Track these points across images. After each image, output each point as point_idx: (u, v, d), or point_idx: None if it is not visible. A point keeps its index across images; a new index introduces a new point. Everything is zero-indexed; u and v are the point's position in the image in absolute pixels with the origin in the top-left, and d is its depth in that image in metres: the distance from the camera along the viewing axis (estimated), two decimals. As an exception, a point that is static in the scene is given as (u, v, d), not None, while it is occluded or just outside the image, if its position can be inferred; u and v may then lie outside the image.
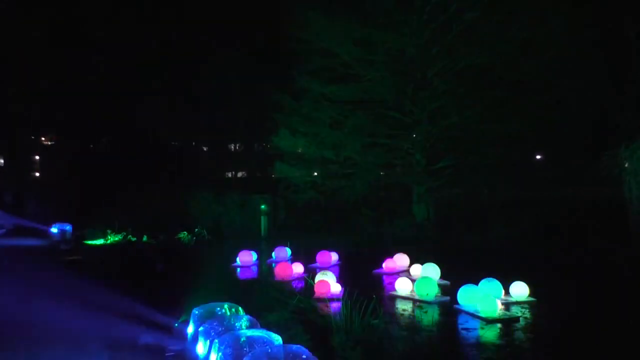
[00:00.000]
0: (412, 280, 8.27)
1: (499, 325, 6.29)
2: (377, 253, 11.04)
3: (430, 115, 16.32)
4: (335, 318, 5.82)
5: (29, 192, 24.04)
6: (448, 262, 9.49)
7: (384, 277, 9.76)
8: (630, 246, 11.49)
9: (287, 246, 11.95)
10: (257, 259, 11.45)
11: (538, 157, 20.90)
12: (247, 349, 4.18)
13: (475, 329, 6.18)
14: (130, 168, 25.41)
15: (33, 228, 16.32)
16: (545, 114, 14.84)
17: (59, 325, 6.06)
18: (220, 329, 4.88)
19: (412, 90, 16.05)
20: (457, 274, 8.55)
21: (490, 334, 5.97)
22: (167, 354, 5.28)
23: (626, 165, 12.58)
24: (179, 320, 6.19)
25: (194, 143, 36.11)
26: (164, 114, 28.49)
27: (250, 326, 5.00)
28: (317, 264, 10.70)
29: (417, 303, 7.48)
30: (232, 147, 36.37)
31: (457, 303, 7.13)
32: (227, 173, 35.24)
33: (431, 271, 8.88)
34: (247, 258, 11.17)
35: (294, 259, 11.31)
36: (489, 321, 6.39)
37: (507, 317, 6.55)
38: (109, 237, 15.17)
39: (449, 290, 8.05)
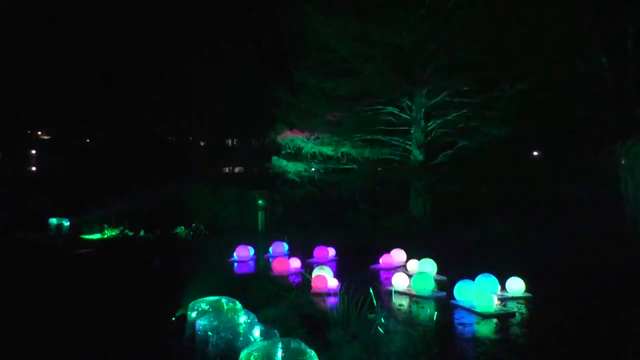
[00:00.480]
0: (409, 275, 8.30)
1: (495, 320, 6.33)
2: (374, 248, 11.05)
3: (428, 111, 16.33)
4: (332, 313, 5.84)
5: (25, 186, 23.95)
6: (445, 258, 9.51)
7: (381, 272, 9.79)
8: (626, 243, 11.53)
9: (284, 241, 11.96)
10: (255, 254, 11.46)
11: (535, 153, 20.95)
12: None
13: (471, 324, 6.21)
14: (127, 162, 25.34)
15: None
16: (542, 110, 14.85)
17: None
18: (217, 323, 4.89)
19: (410, 86, 16.05)
20: (453, 270, 8.58)
21: (486, 329, 6.00)
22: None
23: (622, 162, 12.62)
24: (176, 315, 6.20)
25: (191, 138, 36.06)
26: (161, 108, 28.43)
27: (248, 320, 5.01)
28: (315, 259, 10.72)
29: (414, 298, 7.50)
30: (230, 142, 36.34)
31: (453, 298, 7.16)
32: (224, 168, 35.21)
33: (428, 266, 8.90)
34: (244, 253, 11.18)
35: (291, 254, 11.33)
36: (485, 316, 6.42)
37: (503, 312, 6.58)
38: (106, 232, 15.15)
39: (446, 285, 8.08)
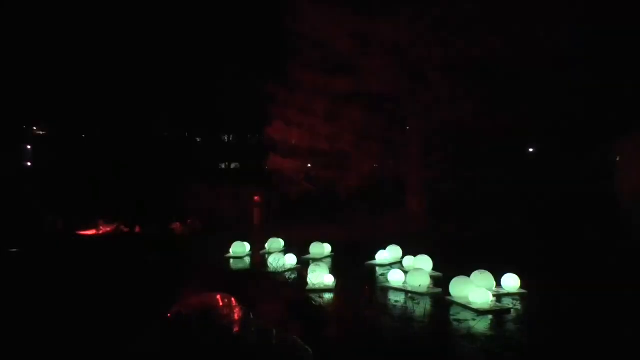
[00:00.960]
0: (405, 271, 8.31)
1: (490, 316, 6.34)
2: (370, 244, 11.06)
3: (425, 108, 16.32)
4: (328, 309, 5.84)
5: (20, 181, 23.82)
6: (440, 254, 9.54)
7: (377, 268, 9.80)
8: (620, 239, 11.59)
9: (280, 237, 11.95)
10: (250, 250, 11.45)
11: (530, 150, 21.02)
12: None
13: (466, 320, 6.22)
14: (123, 158, 25.25)
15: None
16: (538, 107, 14.88)
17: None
18: (212, 319, 4.87)
19: (407, 82, 16.03)
20: (449, 266, 8.60)
21: (481, 325, 6.02)
22: None
23: (617, 158, 12.68)
24: (171, 311, 6.17)
25: (187, 134, 35.94)
26: (157, 103, 28.33)
27: (243, 316, 4.99)
28: (310, 255, 10.71)
29: (410, 294, 7.52)
30: (226, 137, 36.25)
31: (449, 294, 7.17)
32: (220, 164, 35.13)
33: (424, 263, 8.92)
34: (240, 249, 11.16)
35: (287, 250, 11.32)
36: (481, 312, 6.44)
37: (498, 308, 6.60)
38: (101, 228, 15.10)
39: (441, 281, 8.10)
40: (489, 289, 7.15)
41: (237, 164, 35.05)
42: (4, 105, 26.88)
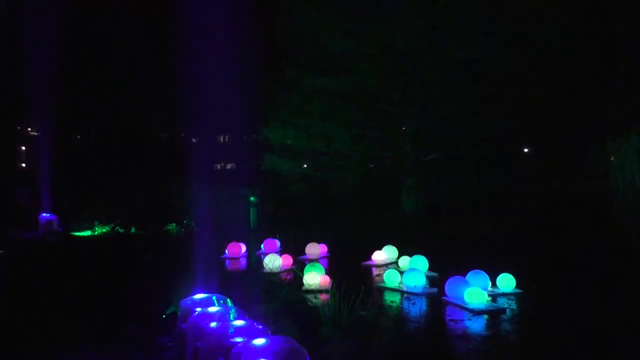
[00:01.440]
0: (401, 272, 8.32)
1: (485, 316, 6.36)
2: (365, 245, 11.08)
3: (420, 108, 16.35)
4: (323, 309, 5.84)
5: (14, 183, 23.69)
6: (436, 254, 9.56)
7: (373, 268, 9.81)
8: (615, 238, 11.64)
9: (276, 238, 11.94)
10: (246, 251, 11.44)
11: (526, 150, 21.08)
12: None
13: (462, 320, 6.24)
14: (118, 159, 25.17)
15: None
16: (533, 107, 14.94)
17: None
18: (208, 321, 4.86)
19: (402, 83, 16.05)
20: (445, 266, 8.62)
21: (477, 325, 6.03)
22: (155, 346, 5.27)
23: (612, 158, 12.74)
24: (167, 312, 6.17)
25: (182, 134, 35.84)
26: (152, 104, 28.23)
27: (239, 317, 4.99)
28: (306, 256, 10.72)
29: (405, 295, 7.53)
30: (222, 138, 36.20)
31: (444, 295, 7.19)
32: (216, 164, 35.07)
33: (419, 263, 8.94)
34: (236, 250, 11.15)
35: (284, 250, 11.31)
36: (476, 312, 6.45)
37: (493, 308, 6.62)
38: (97, 229, 15.05)
39: (437, 282, 8.11)
40: (485, 289, 7.18)
41: (233, 164, 35.01)
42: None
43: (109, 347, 5.31)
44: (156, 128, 33.12)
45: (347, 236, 14.14)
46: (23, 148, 32.79)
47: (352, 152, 16.79)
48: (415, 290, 7.59)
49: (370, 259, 10.25)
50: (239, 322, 4.49)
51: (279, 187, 17.66)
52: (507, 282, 7.56)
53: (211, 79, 28.53)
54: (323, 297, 7.26)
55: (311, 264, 8.49)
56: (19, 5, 25.31)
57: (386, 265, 9.81)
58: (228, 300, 5.60)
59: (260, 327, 4.41)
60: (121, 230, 14.95)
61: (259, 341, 3.91)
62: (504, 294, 7.40)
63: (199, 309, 5.07)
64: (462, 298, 6.83)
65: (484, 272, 7.52)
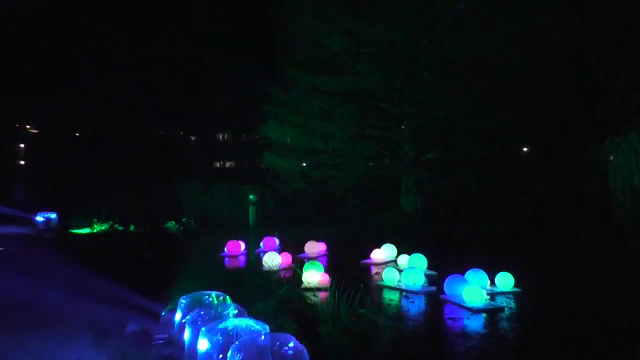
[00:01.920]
0: (400, 270, 8.33)
1: (484, 315, 6.37)
2: (364, 243, 11.09)
3: (419, 108, 16.36)
4: (322, 307, 5.84)
5: (13, 180, 23.68)
6: (435, 253, 9.57)
7: (372, 267, 9.82)
8: (613, 238, 11.66)
9: (275, 236, 11.94)
10: (246, 249, 11.44)
11: (525, 149, 21.09)
12: (235, 339, 4.18)
13: (460, 318, 6.25)
14: (117, 157, 25.15)
15: (18, 216, 16.08)
16: (532, 107, 14.94)
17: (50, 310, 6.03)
18: (207, 317, 4.87)
19: (401, 82, 16.06)
20: (443, 265, 8.63)
21: (475, 323, 6.04)
22: (154, 342, 5.28)
23: (611, 158, 12.73)
24: (166, 309, 6.18)
25: (182, 133, 35.86)
26: (151, 103, 28.22)
27: (238, 315, 5.00)
28: (305, 254, 10.72)
29: (404, 293, 7.54)
30: (221, 137, 36.21)
31: (443, 293, 7.20)
32: (215, 163, 35.09)
33: (418, 261, 8.95)
34: (235, 248, 11.15)
35: (282, 249, 11.32)
36: (475, 311, 6.46)
37: (492, 307, 6.63)
38: (95, 226, 15.04)
39: (436, 280, 8.12)
40: (483, 288, 7.19)
41: (232, 162, 35.02)
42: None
43: (108, 344, 5.30)
44: (155, 126, 33.09)
45: (346, 234, 14.15)
46: (22, 146, 32.75)
47: (351, 150, 16.78)
48: (414, 289, 7.60)
49: (369, 257, 10.26)
50: (238, 320, 4.50)
51: (278, 185, 17.66)
52: (505, 280, 7.57)
53: (210, 77, 28.52)
54: (322, 295, 7.27)
55: (310, 262, 8.49)
56: (19, 5, 25.29)
57: (385, 264, 9.82)
58: (227, 297, 5.60)
59: (259, 324, 4.42)
60: (120, 228, 14.93)
61: (259, 339, 3.93)
62: (503, 293, 7.42)
63: (197, 306, 5.09)
64: (461, 296, 6.84)
65: (483, 271, 7.54)
